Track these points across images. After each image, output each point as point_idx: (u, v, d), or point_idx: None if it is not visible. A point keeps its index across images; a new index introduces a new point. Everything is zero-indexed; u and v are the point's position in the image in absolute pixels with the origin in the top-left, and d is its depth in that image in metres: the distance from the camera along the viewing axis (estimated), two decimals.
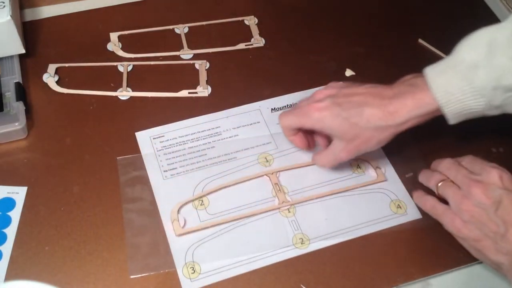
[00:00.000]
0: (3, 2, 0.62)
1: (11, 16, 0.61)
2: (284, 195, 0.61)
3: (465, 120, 0.54)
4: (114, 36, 0.73)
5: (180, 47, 0.73)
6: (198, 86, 0.69)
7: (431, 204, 0.56)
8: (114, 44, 0.72)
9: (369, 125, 0.54)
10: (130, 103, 0.67)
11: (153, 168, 0.62)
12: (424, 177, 0.59)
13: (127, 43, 0.73)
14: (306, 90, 0.69)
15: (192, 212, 0.59)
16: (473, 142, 0.66)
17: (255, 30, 0.75)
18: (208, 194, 0.60)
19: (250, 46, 0.74)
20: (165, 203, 0.59)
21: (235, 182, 0.61)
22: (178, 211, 0.59)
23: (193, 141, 0.64)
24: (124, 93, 0.68)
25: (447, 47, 0.74)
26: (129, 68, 0.70)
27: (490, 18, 0.79)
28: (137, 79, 0.69)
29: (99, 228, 0.57)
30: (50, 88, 0.67)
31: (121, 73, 0.69)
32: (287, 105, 0.68)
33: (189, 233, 0.57)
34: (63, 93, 0.67)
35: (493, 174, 0.52)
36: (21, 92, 0.64)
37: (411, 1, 0.81)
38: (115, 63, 0.70)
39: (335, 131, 0.56)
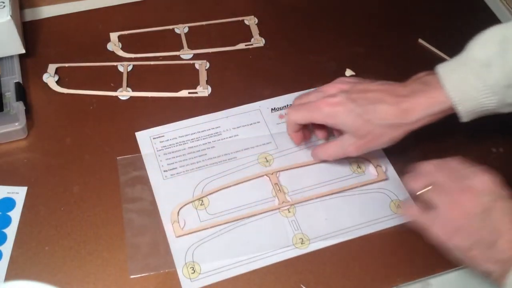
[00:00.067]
0: (3, 2, 0.62)
1: (11, 16, 0.61)
2: (284, 195, 0.61)
3: (477, 117, 0.54)
4: (114, 36, 0.73)
5: (180, 47, 0.73)
6: (198, 86, 0.69)
7: (416, 213, 0.53)
8: (114, 44, 0.72)
9: (383, 122, 0.54)
10: (130, 103, 0.67)
11: (153, 168, 0.62)
12: (409, 182, 0.56)
13: (127, 43, 0.73)
14: (306, 90, 0.69)
15: (192, 212, 0.59)
16: (473, 142, 0.66)
17: (255, 30, 0.75)
18: (208, 194, 0.60)
19: (250, 46, 0.74)
20: (165, 203, 0.59)
21: (235, 182, 0.61)
22: (178, 213, 0.59)
23: (193, 141, 0.64)
24: (124, 93, 0.68)
25: (447, 47, 0.75)
26: (129, 68, 0.70)
27: (490, 18, 0.80)
28: (137, 79, 0.69)
29: (99, 228, 0.57)
30: (50, 88, 0.67)
31: (121, 73, 0.69)
32: (287, 105, 0.68)
33: (189, 234, 0.57)
34: (63, 93, 0.67)
35: (483, 178, 0.50)
36: (21, 92, 0.64)
37: (411, 1, 0.81)
38: (115, 63, 0.70)
39: (348, 126, 0.56)
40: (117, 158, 0.62)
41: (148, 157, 0.63)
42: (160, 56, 0.72)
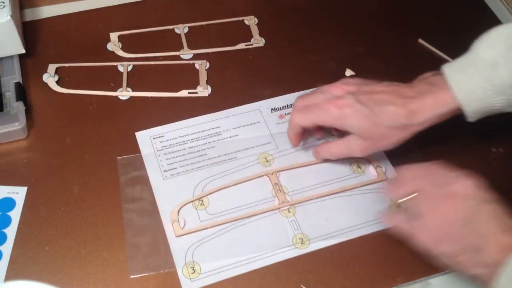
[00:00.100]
0: (3, 2, 0.62)
1: (11, 16, 0.61)
2: (284, 195, 0.61)
3: (484, 117, 0.54)
4: (114, 36, 0.73)
5: (180, 47, 0.73)
6: (198, 86, 0.69)
7: (400, 222, 0.53)
8: (114, 44, 0.72)
9: (391, 124, 0.54)
10: (130, 103, 0.67)
11: (153, 168, 0.62)
12: (392, 189, 0.56)
13: (127, 43, 0.73)
14: (306, 90, 0.69)
15: (192, 212, 0.59)
16: (473, 142, 0.66)
17: (255, 30, 0.75)
18: (208, 194, 0.60)
19: (250, 46, 0.74)
20: (165, 203, 0.59)
21: (235, 182, 0.61)
22: (178, 212, 0.59)
23: (193, 141, 0.64)
24: (124, 93, 0.68)
25: (447, 47, 0.75)
26: (129, 68, 0.70)
27: (490, 18, 0.80)
28: (137, 79, 0.69)
29: (99, 228, 0.57)
30: (50, 88, 0.67)
31: (121, 73, 0.69)
32: (287, 105, 0.68)
33: (189, 234, 0.57)
34: (63, 93, 0.67)
35: (467, 183, 0.50)
36: (21, 92, 0.64)
37: (411, 1, 0.81)
38: (115, 63, 0.70)
39: (356, 128, 0.56)
40: (117, 158, 0.62)
41: (148, 157, 0.63)
42: (160, 56, 0.72)
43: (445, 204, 0.50)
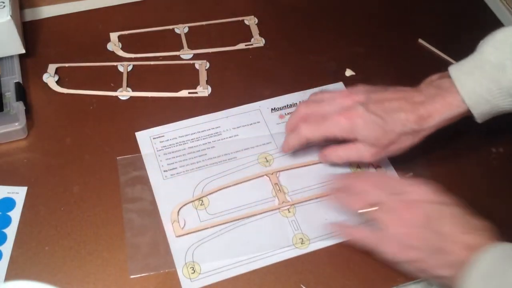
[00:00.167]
0: (3, 2, 0.62)
1: (11, 16, 0.61)
2: (284, 195, 0.61)
3: (492, 117, 0.55)
4: (114, 36, 0.73)
5: (180, 47, 0.73)
6: (198, 86, 0.69)
7: (363, 234, 0.54)
8: (114, 44, 0.72)
9: (402, 130, 0.55)
10: (130, 103, 0.67)
11: (153, 168, 0.62)
12: (348, 202, 0.56)
13: (127, 43, 0.73)
14: (306, 90, 0.69)
15: (192, 212, 0.59)
16: (473, 142, 0.66)
17: (255, 30, 0.75)
18: (208, 194, 0.60)
19: (250, 46, 0.74)
20: (165, 203, 0.59)
21: (235, 182, 0.61)
22: (178, 212, 0.59)
23: (193, 141, 0.64)
24: (124, 93, 0.68)
25: (447, 47, 0.75)
26: (129, 68, 0.70)
27: (490, 18, 0.80)
28: (137, 79, 0.69)
29: (99, 228, 0.57)
30: (50, 88, 0.67)
31: (121, 73, 0.69)
32: (287, 105, 0.68)
33: (189, 234, 0.57)
34: (63, 93, 0.67)
35: (422, 190, 0.52)
36: (21, 92, 0.64)
37: (411, 1, 0.81)
38: (115, 63, 0.70)
39: (368, 137, 0.56)
40: (117, 158, 0.62)
41: (148, 157, 0.63)
42: (160, 56, 0.72)
43: (406, 212, 0.51)
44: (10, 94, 0.64)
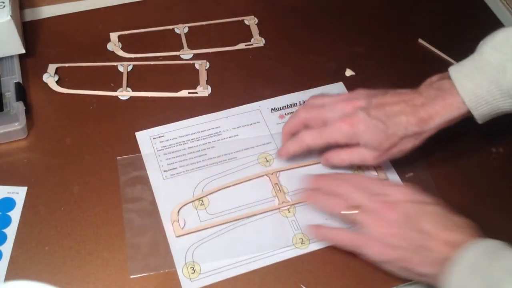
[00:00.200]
0: (3, 2, 0.62)
1: (11, 16, 0.61)
2: (284, 195, 0.61)
3: (493, 118, 0.55)
4: (114, 36, 0.73)
5: (180, 47, 0.73)
6: (198, 86, 0.69)
7: (345, 237, 0.54)
8: (114, 44, 0.72)
9: (404, 133, 0.55)
10: (130, 103, 0.67)
11: (153, 168, 0.62)
12: (325, 204, 0.56)
13: (127, 43, 0.73)
14: (306, 90, 0.69)
15: (192, 212, 0.59)
16: (473, 142, 0.66)
17: (255, 30, 0.75)
18: (208, 194, 0.60)
19: (250, 46, 0.74)
20: (165, 203, 0.59)
21: (235, 182, 0.61)
22: (178, 212, 0.59)
23: (193, 141, 0.64)
24: (124, 93, 0.68)
25: (447, 47, 0.75)
26: (129, 68, 0.70)
27: (490, 18, 0.80)
28: (137, 79, 0.69)
29: (99, 228, 0.57)
30: (50, 88, 0.67)
31: (121, 73, 0.69)
32: (287, 105, 0.68)
33: (189, 234, 0.57)
34: (63, 93, 0.67)
35: (396, 192, 0.53)
36: (21, 92, 0.64)
37: (411, 1, 0.81)
38: (115, 63, 0.70)
39: (370, 142, 0.56)
40: (117, 158, 0.62)
41: (148, 157, 0.63)
42: (160, 56, 0.72)
43: (386, 212, 0.52)
44: (10, 94, 0.64)
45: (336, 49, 0.74)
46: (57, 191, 0.60)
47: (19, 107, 0.62)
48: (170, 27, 0.75)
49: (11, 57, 0.67)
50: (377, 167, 0.63)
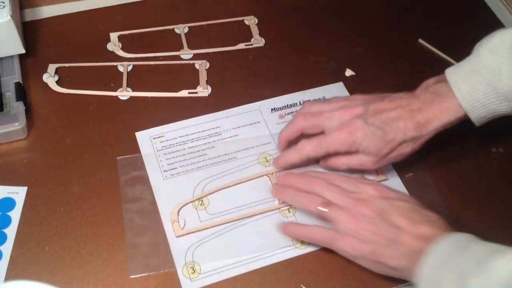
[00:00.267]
0: (3, 2, 0.62)
1: (11, 16, 0.61)
2: None
3: (490, 120, 0.55)
4: (114, 36, 0.73)
5: (180, 47, 0.73)
6: (198, 86, 0.69)
7: (319, 233, 0.54)
8: (114, 44, 0.72)
9: (402, 138, 0.55)
10: (130, 103, 0.67)
11: (153, 168, 0.62)
12: (298, 201, 0.57)
13: (127, 43, 0.73)
14: (306, 90, 0.69)
15: (192, 212, 0.59)
16: (473, 142, 0.66)
17: (255, 30, 0.75)
18: (208, 194, 0.60)
19: (250, 46, 0.74)
20: (165, 203, 0.59)
21: (235, 182, 0.61)
22: (178, 212, 0.59)
23: (193, 141, 0.64)
24: (124, 93, 0.68)
25: (447, 47, 0.75)
26: (129, 68, 0.70)
27: (490, 18, 0.80)
28: (137, 79, 0.69)
29: (99, 228, 0.57)
30: (50, 88, 0.67)
31: (121, 73, 0.69)
32: (287, 105, 0.68)
33: (189, 234, 0.57)
34: (63, 93, 0.67)
35: (369, 189, 0.54)
36: (21, 92, 0.64)
37: (411, 1, 0.81)
38: (115, 63, 0.70)
39: (369, 149, 0.56)
40: (117, 158, 0.62)
41: (148, 157, 0.63)
42: (160, 56, 0.72)
43: (358, 208, 0.52)
44: (10, 94, 0.64)
45: (336, 49, 0.74)
46: (57, 191, 0.60)
47: (19, 107, 0.62)
48: (170, 27, 0.75)
49: (11, 57, 0.67)
50: (378, 169, 0.63)
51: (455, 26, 0.78)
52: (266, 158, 0.64)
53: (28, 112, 0.64)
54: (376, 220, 0.52)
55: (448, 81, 0.54)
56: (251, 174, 0.62)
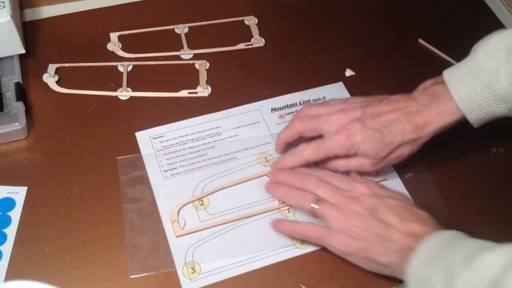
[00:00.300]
0: (3, 2, 0.62)
1: (11, 16, 0.61)
2: None
3: (489, 121, 0.55)
4: (114, 36, 0.73)
5: (180, 47, 0.73)
6: (198, 86, 0.69)
7: (311, 229, 0.55)
8: (114, 44, 0.72)
9: (401, 140, 0.55)
10: (130, 103, 0.67)
11: (153, 168, 0.62)
12: (290, 198, 0.57)
13: (127, 43, 0.73)
14: (306, 90, 0.69)
15: (192, 212, 0.59)
16: (473, 143, 0.66)
17: (255, 30, 0.75)
18: (208, 194, 0.60)
19: (250, 46, 0.74)
20: (165, 203, 0.59)
21: (235, 182, 0.61)
22: (178, 212, 0.59)
23: (193, 141, 0.64)
24: (124, 93, 0.68)
25: (447, 47, 0.75)
26: (129, 68, 0.70)
27: (490, 18, 0.80)
28: (137, 79, 0.69)
29: (99, 228, 0.57)
30: (50, 88, 0.67)
31: (121, 73, 0.69)
32: (287, 105, 0.68)
33: (189, 234, 0.57)
34: (63, 93, 0.67)
35: (361, 187, 0.54)
36: (21, 92, 0.64)
37: (411, 1, 0.81)
38: (115, 63, 0.70)
39: (368, 152, 0.56)
40: (117, 158, 0.62)
41: (148, 157, 0.63)
42: (160, 56, 0.72)
43: (350, 205, 0.53)
44: (10, 94, 0.64)
45: (336, 49, 0.74)
46: (57, 191, 0.60)
47: (19, 107, 0.62)
48: (170, 27, 0.75)
49: (11, 57, 0.67)
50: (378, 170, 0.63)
51: (455, 26, 0.78)
52: (266, 158, 0.64)
53: (28, 112, 0.64)
54: (367, 217, 0.52)
55: (446, 83, 0.54)
56: (251, 174, 0.62)
